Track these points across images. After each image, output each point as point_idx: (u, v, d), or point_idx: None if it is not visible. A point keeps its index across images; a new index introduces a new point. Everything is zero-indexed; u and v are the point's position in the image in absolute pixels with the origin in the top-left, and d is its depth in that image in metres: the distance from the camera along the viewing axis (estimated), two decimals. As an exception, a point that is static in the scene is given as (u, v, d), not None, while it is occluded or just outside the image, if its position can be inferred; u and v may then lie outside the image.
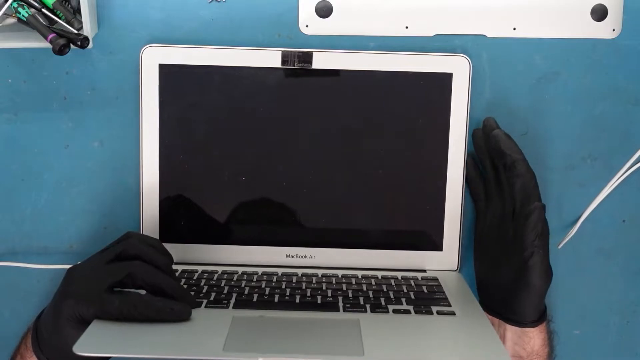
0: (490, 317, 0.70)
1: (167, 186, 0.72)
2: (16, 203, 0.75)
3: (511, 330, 0.69)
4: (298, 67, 0.71)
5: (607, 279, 0.77)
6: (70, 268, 0.64)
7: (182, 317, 0.59)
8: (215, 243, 0.73)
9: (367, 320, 0.61)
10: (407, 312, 0.63)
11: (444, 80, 0.71)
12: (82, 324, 0.59)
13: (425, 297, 0.67)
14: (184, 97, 0.72)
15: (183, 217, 0.73)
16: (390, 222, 0.73)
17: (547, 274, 0.65)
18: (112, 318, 0.58)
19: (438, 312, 0.64)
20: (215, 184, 0.73)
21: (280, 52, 0.71)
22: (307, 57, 0.71)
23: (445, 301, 0.66)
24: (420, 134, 0.72)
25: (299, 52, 0.71)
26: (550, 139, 0.75)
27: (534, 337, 0.68)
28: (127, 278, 0.61)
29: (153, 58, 0.71)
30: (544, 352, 0.69)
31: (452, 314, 0.63)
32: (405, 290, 0.68)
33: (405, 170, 0.72)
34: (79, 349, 0.55)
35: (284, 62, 0.71)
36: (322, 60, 0.71)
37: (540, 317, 0.68)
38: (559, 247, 0.75)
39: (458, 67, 0.71)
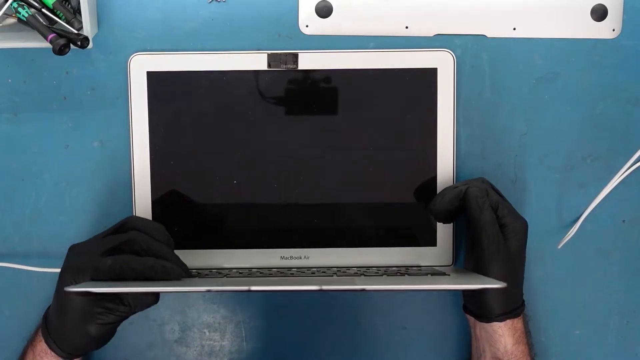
0: (468, 316, 0.71)
1: (159, 193, 0.72)
2: (16, 203, 0.75)
3: (483, 329, 0.69)
4: (284, 68, 0.71)
5: (607, 279, 0.76)
6: (71, 245, 0.66)
7: (174, 275, 0.61)
8: (208, 248, 0.73)
9: (361, 278, 0.64)
10: (402, 274, 0.66)
11: (428, 76, 0.72)
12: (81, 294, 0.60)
13: (420, 273, 0.69)
14: (173, 104, 0.72)
15: (176, 223, 0.72)
16: (383, 219, 0.73)
17: (506, 263, 0.65)
18: (106, 278, 0.60)
19: (432, 274, 0.67)
20: (207, 189, 0.73)
21: (266, 54, 0.71)
22: (293, 59, 0.71)
23: (440, 272, 0.68)
24: (409, 130, 0.72)
25: (284, 53, 0.71)
26: (550, 139, 0.75)
27: (504, 334, 0.67)
28: (125, 245, 0.62)
29: (141, 66, 0.71)
30: (518, 351, 0.68)
31: (446, 274, 0.67)
32: (400, 271, 0.70)
33: (395, 166, 0.73)
34: (71, 288, 0.56)
35: (269, 64, 0.71)
36: (308, 61, 0.72)
37: (507, 311, 0.67)
38: (559, 247, 0.75)
39: (442, 62, 0.72)
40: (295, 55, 0.72)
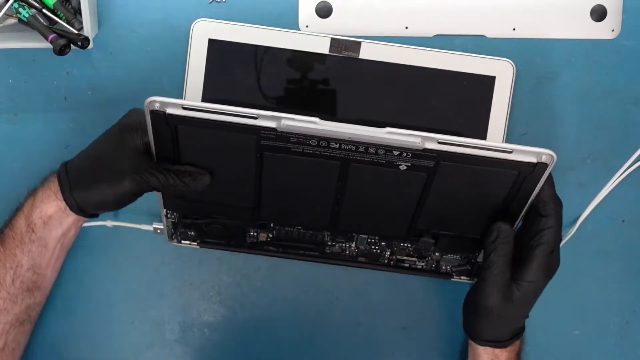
0: (466, 333, 0.70)
1: None
2: (16, 203, 0.75)
3: (471, 346, 0.69)
4: (345, 55, 0.72)
5: (607, 279, 0.77)
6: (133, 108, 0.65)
7: None
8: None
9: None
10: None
11: (486, 83, 0.72)
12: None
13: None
14: (230, 74, 0.72)
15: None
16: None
17: (501, 302, 0.63)
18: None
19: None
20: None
21: (329, 38, 0.72)
22: (355, 47, 0.72)
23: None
24: (458, 132, 0.72)
25: (347, 40, 0.72)
26: (550, 139, 0.75)
27: (500, 355, 0.67)
28: None
29: (204, 32, 0.72)
30: None
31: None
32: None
33: None
34: (158, 98, 0.56)
35: (331, 48, 0.72)
36: (368, 51, 0.72)
37: (489, 340, 0.66)
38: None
39: (502, 71, 0.72)
40: (358, 44, 0.72)
